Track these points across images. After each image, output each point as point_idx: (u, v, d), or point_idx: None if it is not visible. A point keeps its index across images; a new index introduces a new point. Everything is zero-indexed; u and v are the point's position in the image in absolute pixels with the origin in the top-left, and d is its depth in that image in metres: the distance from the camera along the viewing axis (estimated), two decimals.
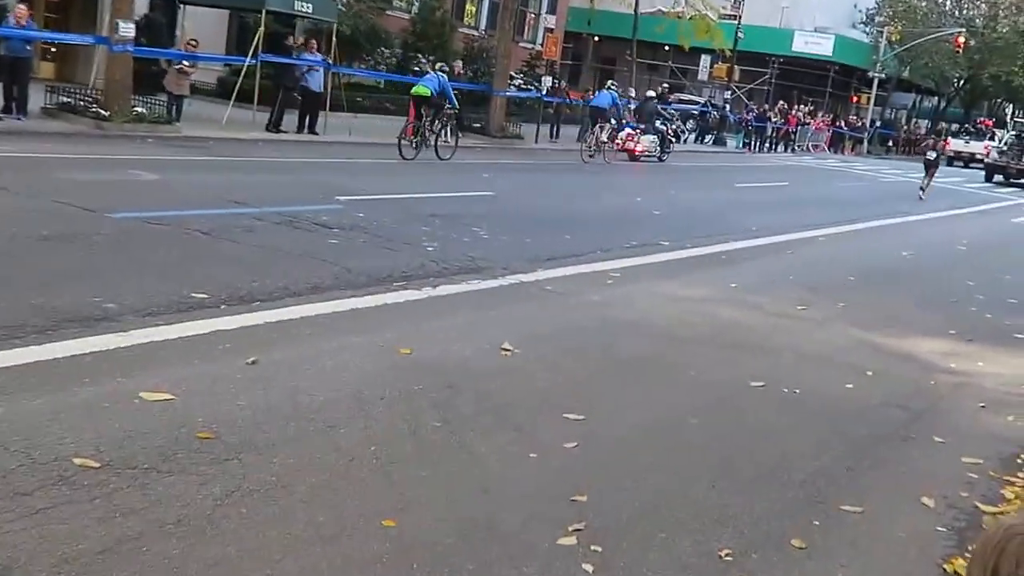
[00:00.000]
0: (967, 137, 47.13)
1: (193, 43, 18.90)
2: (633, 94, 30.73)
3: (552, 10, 42.83)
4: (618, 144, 24.68)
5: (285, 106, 19.20)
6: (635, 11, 33.24)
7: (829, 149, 43.17)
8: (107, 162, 12.90)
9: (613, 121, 24.49)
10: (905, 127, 58.69)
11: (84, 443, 4.12)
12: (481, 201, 13.62)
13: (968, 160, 42.47)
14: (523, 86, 30.67)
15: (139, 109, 16.71)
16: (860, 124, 48.13)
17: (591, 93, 29.44)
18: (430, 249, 9.41)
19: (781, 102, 43.04)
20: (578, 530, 3.91)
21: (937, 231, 18.14)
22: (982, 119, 58.14)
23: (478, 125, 24.50)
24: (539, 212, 13.28)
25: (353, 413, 4.89)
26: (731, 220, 14.80)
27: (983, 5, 56.11)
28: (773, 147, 38.51)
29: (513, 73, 30.29)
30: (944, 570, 4.13)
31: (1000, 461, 5.56)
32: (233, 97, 18.93)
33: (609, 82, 27.57)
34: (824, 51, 49.74)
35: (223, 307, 6.53)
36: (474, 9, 38.55)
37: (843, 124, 46.46)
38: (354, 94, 25.25)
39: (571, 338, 6.99)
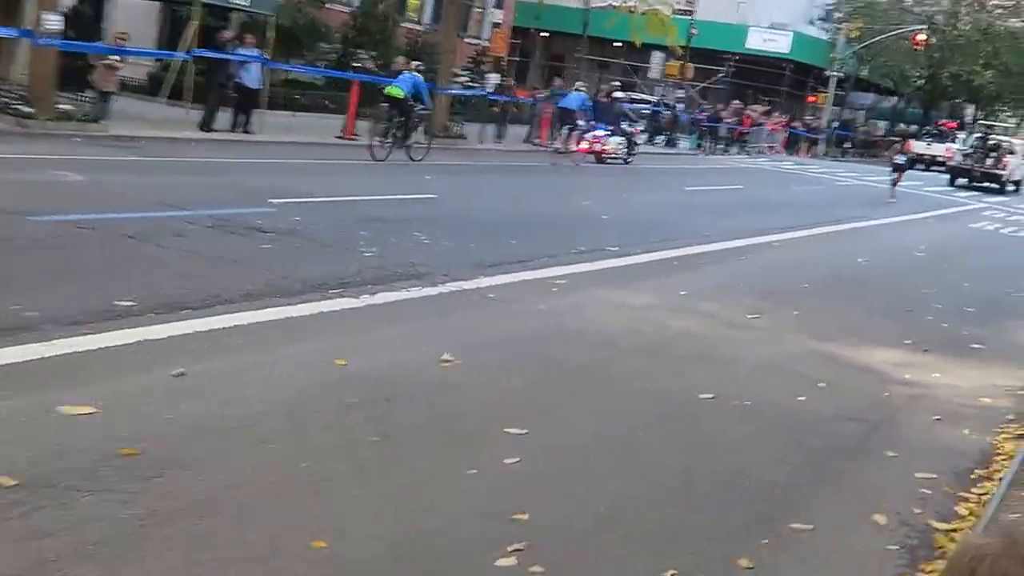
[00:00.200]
0: (929, 139, 48.11)
1: (122, 36, 18.66)
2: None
3: (499, 4, 42.97)
4: (586, 146, 24.98)
5: (219, 104, 19.03)
6: (585, 6, 33.43)
7: (785, 151, 43.70)
8: (30, 162, 12.71)
9: (582, 123, 24.90)
10: (863, 128, 59.59)
11: (1, 459, 4.07)
12: (423, 204, 13.64)
13: (930, 163, 43.34)
14: (468, 83, 30.68)
15: (65, 106, 16.46)
16: (817, 125, 48.78)
17: (539, 91, 29.59)
18: (368, 255, 9.40)
19: (736, 101, 43.47)
20: (518, 550, 3.94)
21: (895, 236, 18.46)
22: (944, 121, 59.31)
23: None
24: (483, 216, 13.32)
25: (285, 428, 4.89)
26: (683, 224, 14.96)
27: (944, 1, 57.21)
28: (727, 148, 38.92)
29: (458, 70, 30.28)
30: None
31: (955, 476, 5.67)
32: (164, 94, 18.73)
33: (578, 83, 27.94)
34: (781, 48, 50.41)
35: (150, 316, 6.47)
36: (418, 3, 38.52)
37: (799, 125, 47.05)
38: (292, 91, 25.13)
39: (514, 348, 7.03)
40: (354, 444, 4.81)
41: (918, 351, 8.71)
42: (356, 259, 9.15)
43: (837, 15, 52.63)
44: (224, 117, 19.09)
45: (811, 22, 51.96)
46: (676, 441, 5.64)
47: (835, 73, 49.48)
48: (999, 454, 6.14)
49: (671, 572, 3.98)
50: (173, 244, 8.79)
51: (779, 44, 50.36)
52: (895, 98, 63.70)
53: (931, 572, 4.27)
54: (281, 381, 5.56)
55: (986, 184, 36.65)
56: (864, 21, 50.39)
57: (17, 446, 4.24)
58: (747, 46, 50.49)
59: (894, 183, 25.92)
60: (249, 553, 3.67)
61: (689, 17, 40.61)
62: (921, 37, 48.22)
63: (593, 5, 34.81)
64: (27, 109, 15.62)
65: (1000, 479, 5.54)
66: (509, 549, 3.95)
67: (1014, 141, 44.51)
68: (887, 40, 48.96)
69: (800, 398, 6.74)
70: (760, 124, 41.92)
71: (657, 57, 46.03)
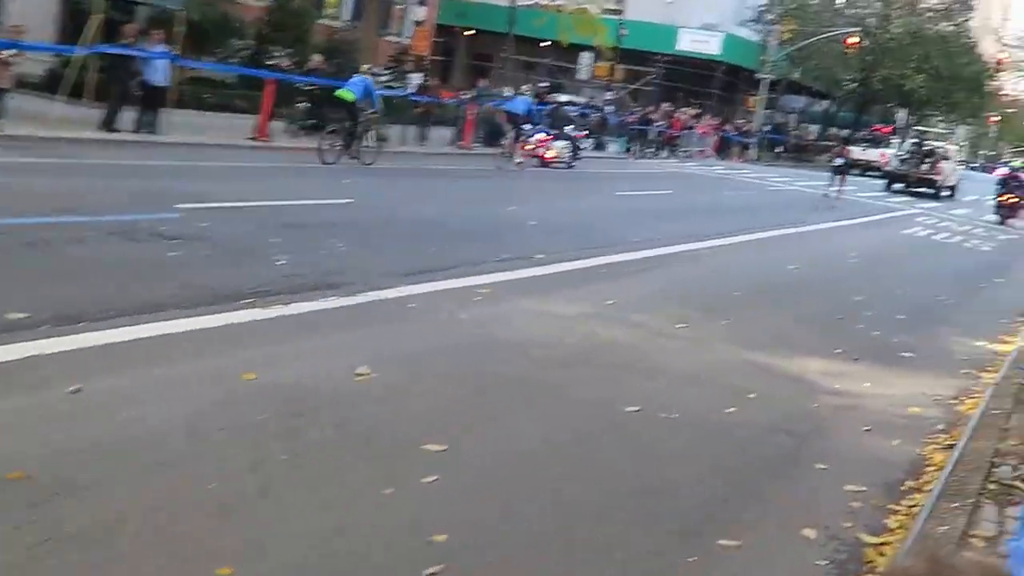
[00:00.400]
0: (864, 144, 49.32)
1: (18, 29, 18.24)
2: (510, 93, 30.99)
3: (422, 2, 42.87)
4: (529, 150, 25.55)
5: (122, 102, 18.71)
6: (512, 4, 33.53)
7: (716, 155, 44.29)
8: None
9: (528, 127, 25.34)
10: (795, 132, 60.65)
11: None
12: (340, 209, 13.54)
13: (865, 168, 44.39)
14: (389, 84, 30.55)
15: None
16: (748, 128, 49.54)
17: (464, 92, 29.65)
18: (281, 263, 9.29)
19: (666, 104, 43.95)
20: (435, 575, 3.92)
21: (827, 242, 18.80)
22: (878, 126, 60.68)
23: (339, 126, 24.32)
24: (404, 222, 13.26)
25: (188, 447, 4.81)
26: (611, 231, 15.06)
27: (877, 4, 58.53)
28: (657, 152, 39.32)
29: (379, 69, 30.16)
30: None
31: (885, 488, 5.77)
32: (64, 91, 18.34)
33: (524, 87, 28.24)
34: (711, 50, 51.07)
35: (45, 328, 6.32)
36: None
37: (731, 128, 47.74)
38: (201, 89, 24.80)
39: (434, 360, 7.00)
40: (262, 463, 4.74)
41: (848, 360, 8.86)
42: (267, 267, 9.04)
43: (768, 17, 53.47)
44: (128, 116, 18.75)
45: (742, 23, 52.71)
46: (600, 457, 5.65)
47: (767, 76, 50.28)
48: (929, 465, 6.27)
49: None
50: (71, 252, 8.61)
51: (710, 46, 51.00)
52: (827, 101, 64.94)
53: None
54: (185, 397, 5.46)
55: (922, 189, 37.81)
56: (796, 23, 51.29)
57: None
58: (677, 47, 51.04)
59: (837, 186, 27.73)
60: None
61: (618, 17, 40.95)
62: (853, 40, 49.26)
63: (520, 3, 34.92)
64: None
65: (930, 490, 5.64)
66: (426, 573, 3.92)
67: (948, 147, 45.93)
68: (819, 43, 49.93)
69: (729, 410, 6.80)
70: (691, 127, 42.46)
71: (586, 58, 46.29)
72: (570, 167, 27.08)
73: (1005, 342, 10.88)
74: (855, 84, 59.86)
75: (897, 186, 38.48)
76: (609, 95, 40.71)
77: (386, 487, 4.68)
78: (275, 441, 5.01)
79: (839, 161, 28.90)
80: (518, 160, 24.71)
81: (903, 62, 55.29)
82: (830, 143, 57.96)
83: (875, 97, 62.56)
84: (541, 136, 26.34)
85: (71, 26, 24.34)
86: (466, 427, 5.70)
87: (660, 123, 40.03)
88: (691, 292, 11.13)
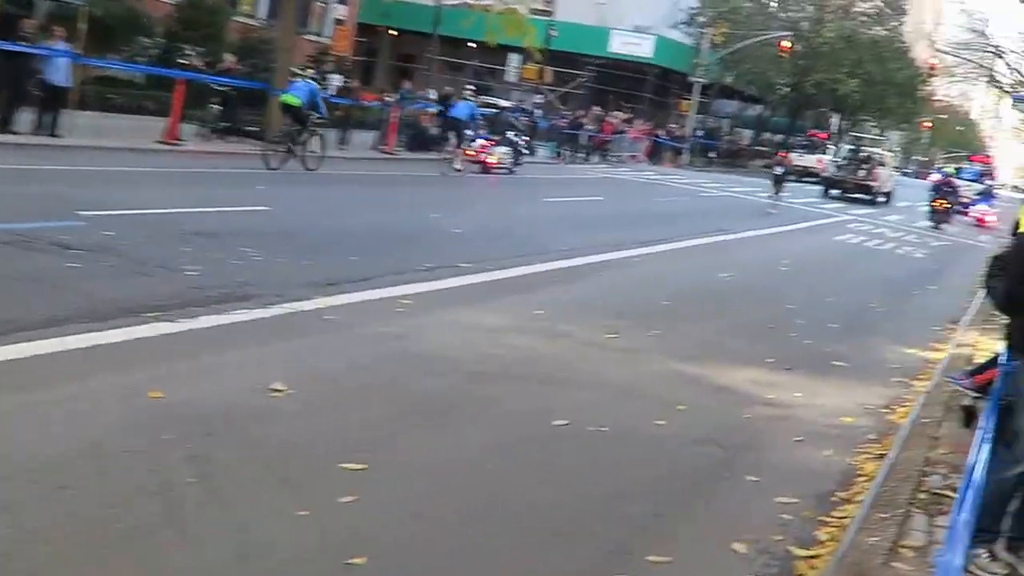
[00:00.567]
0: (800, 150, 50.31)
1: None
2: (433, 96, 31.00)
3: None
4: (471, 155, 26.23)
5: (19, 103, 18.36)
6: (437, 3, 33.49)
7: (648, 160, 44.71)
8: None
9: (470, 132, 26.05)
10: (728, 137, 61.49)
11: None
12: (255, 217, 13.40)
13: (801, 174, 45.25)
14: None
15: None
16: (681, 133, 50.07)
17: (387, 95, 29.63)
18: (191, 274, 9.17)
19: (596, 108, 44.26)
20: None
21: (759, 250, 19.07)
22: (814, 132, 61.76)
23: (254, 129, 24.17)
24: (322, 230, 13.17)
25: (91, 469, 4.71)
26: (539, 239, 15.11)
27: (810, 8, 59.60)
28: (587, 157, 39.57)
29: (297, 69, 29.97)
30: None
31: (816, 500, 5.86)
32: None
33: (466, 92, 28.47)
34: (643, 53, 51.63)
35: None
36: None
37: (663, 133, 48.22)
38: (107, 90, 24.44)
39: (354, 375, 6.96)
40: (169, 486, 4.66)
41: (780, 370, 8.99)
42: (177, 278, 8.92)
43: (701, 19, 54.17)
44: (27, 118, 18.41)
45: (675, 26, 53.32)
46: (528, 472, 5.66)
47: (699, 79, 50.90)
48: (860, 475, 6.40)
49: None
50: None
51: (642, 48, 51.56)
52: (760, 106, 65.94)
53: None
54: (88, 417, 5.36)
55: (858, 196, 38.77)
56: (728, 26, 52.02)
57: None
58: (609, 50, 51.50)
59: (776, 193, 28.35)
60: None
61: (548, 18, 41.16)
62: (786, 44, 50.09)
63: (445, 3, 34.86)
64: None
65: (861, 501, 5.75)
66: None
67: (885, 153, 47.06)
68: (752, 46, 50.69)
69: (659, 422, 6.86)
70: (622, 132, 42.80)
71: (514, 59, 46.48)
72: (511, 172, 27.74)
73: (936, 350, 11.15)
74: (788, 88, 60.86)
75: (834, 192, 39.51)
76: (538, 98, 40.87)
77: (301, 509, 4.63)
78: (183, 463, 4.93)
79: (780, 169, 29.42)
80: (457, 167, 25.13)
81: (836, 66, 56.40)
82: (763, 148, 59.00)
83: (808, 102, 63.70)
84: (483, 142, 27.03)
85: None
86: (386, 445, 5.67)
87: (591, 127, 40.31)
88: (621, 301, 11.21)
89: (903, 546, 5.01)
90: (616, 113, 45.38)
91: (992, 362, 7.35)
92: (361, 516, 4.69)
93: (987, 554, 4.96)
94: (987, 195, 40.00)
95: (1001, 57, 48.32)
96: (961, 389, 7.79)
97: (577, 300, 10.97)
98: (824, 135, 60.85)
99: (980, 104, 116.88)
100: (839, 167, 41.12)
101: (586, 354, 8.53)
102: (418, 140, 29.85)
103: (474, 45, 46.99)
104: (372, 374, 7.04)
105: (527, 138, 31.76)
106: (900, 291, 16.16)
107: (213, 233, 11.34)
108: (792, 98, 62.86)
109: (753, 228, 22.42)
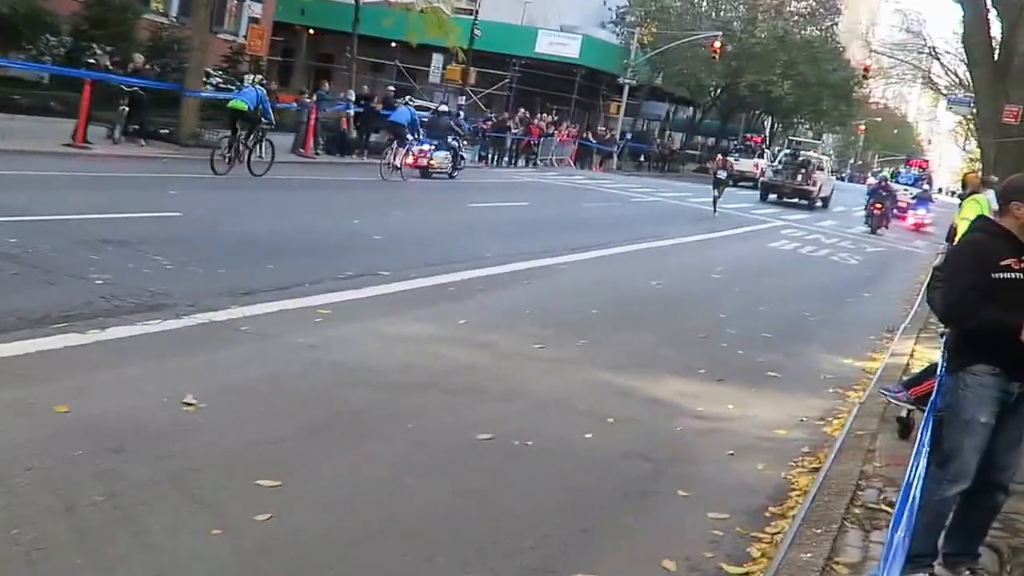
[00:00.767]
0: (736, 155, 50.94)
1: None
2: (352, 98, 30.88)
3: None
4: (411, 161, 26.64)
5: None
6: (356, 1, 33.30)
7: (575, 164, 44.94)
8: None
9: (411, 137, 26.50)
10: (658, 140, 62.01)
11: None
12: (166, 223, 13.27)
13: (738, 179, 45.82)
14: (222, 86, 30.14)
15: None
16: (609, 136, 50.39)
17: (307, 96, 29.48)
18: (99, 282, 9.06)
19: (522, 110, 44.39)
20: None
21: (691, 257, 19.28)
22: (751, 135, 62.56)
23: (166, 131, 23.97)
24: (237, 237, 13.08)
25: None
26: (464, 245, 15.13)
27: (742, 8, 60.36)
28: (513, 161, 39.68)
29: (210, 70, 29.73)
30: None
31: (748, 515, 5.93)
32: None
33: (407, 96, 28.89)
34: (570, 53, 51.86)
35: None
36: None
37: (591, 136, 48.49)
38: (10, 90, 24.05)
39: (269, 388, 6.93)
40: (75, 505, 4.62)
41: (712, 381, 9.11)
42: (84, 288, 8.80)
43: (630, 19, 54.60)
44: None
45: (603, 25, 53.69)
46: (449, 488, 5.68)
47: (628, 81, 51.29)
48: (793, 489, 6.49)
49: None
50: None
51: (569, 48, 51.80)
52: (691, 108, 66.63)
53: None
54: None
55: (796, 200, 39.47)
56: (657, 26, 52.53)
57: None
58: (536, 50, 51.67)
59: (715, 199, 29.45)
60: None
61: (472, 17, 41.19)
62: (717, 44, 50.68)
63: (365, 1, 34.70)
64: None
65: (794, 516, 5.84)
66: None
67: (823, 157, 47.89)
68: (682, 47, 51.21)
69: (586, 435, 6.92)
70: (549, 135, 42.97)
71: (437, 60, 46.45)
72: (451, 177, 28.34)
73: (872, 359, 11.36)
74: (720, 90, 61.57)
75: (771, 197, 40.10)
76: (462, 100, 40.92)
77: (214, 527, 4.62)
78: (91, 480, 4.89)
79: (722, 174, 30.21)
80: (396, 167, 25.59)
81: (769, 67, 57.14)
82: (695, 152, 59.63)
83: (741, 104, 64.50)
84: (425, 147, 27.42)
85: None
86: (303, 460, 5.67)
87: (517, 130, 40.42)
88: (548, 310, 11.26)
89: (837, 562, 5.11)
90: (543, 115, 45.54)
91: (929, 371, 7.50)
92: (276, 534, 4.69)
93: None
94: (924, 199, 40.82)
95: (937, 59, 49.33)
96: (895, 403, 7.90)
97: (503, 309, 11.01)
98: (759, 138, 61.70)
99: (916, 106, 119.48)
100: (776, 172, 41.80)
101: (512, 365, 8.57)
102: (337, 143, 29.75)
103: (396, 45, 46.94)
104: (288, 386, 7.02)
105: (466, 142, 32.04)
106: (835, 299, 16.42)
107: (123, 240, 11.21)
108: (724, 100, 63.61)
109: (685, 234, 22.67)
